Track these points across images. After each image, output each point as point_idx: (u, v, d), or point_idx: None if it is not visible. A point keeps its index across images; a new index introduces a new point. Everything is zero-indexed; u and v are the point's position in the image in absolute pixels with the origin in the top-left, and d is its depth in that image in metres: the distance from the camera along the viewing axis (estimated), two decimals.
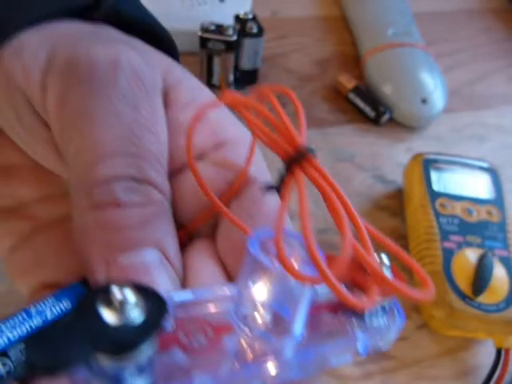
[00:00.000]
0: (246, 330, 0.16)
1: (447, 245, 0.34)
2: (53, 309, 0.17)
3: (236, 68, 0.44)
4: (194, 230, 0.21)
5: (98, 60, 0.19)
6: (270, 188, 0.18)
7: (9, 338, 0.16)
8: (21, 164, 0.24)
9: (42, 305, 0.17)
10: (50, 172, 0.23)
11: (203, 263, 0.19)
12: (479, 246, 0.34)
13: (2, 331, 0.16)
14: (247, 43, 0.42)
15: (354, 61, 0.50)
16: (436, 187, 0.37)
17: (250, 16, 0.43)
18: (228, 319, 0.17)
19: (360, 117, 0.45)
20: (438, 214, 0.35)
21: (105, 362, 0.13)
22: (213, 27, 0.41)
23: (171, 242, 0.18)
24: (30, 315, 0.17)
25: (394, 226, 0.38)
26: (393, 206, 0.39)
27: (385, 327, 0.17)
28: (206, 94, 0.22)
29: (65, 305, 0.17)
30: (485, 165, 0.39)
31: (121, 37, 0.22)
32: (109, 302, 0.14)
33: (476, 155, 0.42)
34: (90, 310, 0.13)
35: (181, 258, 0.19)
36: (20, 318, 0.17)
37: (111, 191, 0.18)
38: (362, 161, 0.42)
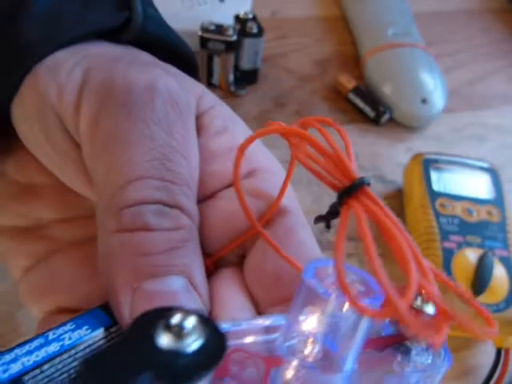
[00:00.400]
0: (295, 362, 0.16)
1: (447, 245, 0.34)
2: (71, 335, 0.16)
3: (236, 68, 0.44)
4: (220, 258, 0.20)
5: (135, 83, 0.19)
6: (319, 218, 0.18)
7: (23, 364, 0.15)
8: (42, 184, 0.23)
9: (60, 330, 0.16)
10: (72, 194, 0.22)
11: (231, 293, 0.19)
12: (479, 245, 0.34)
13: (16, 356, 0.15)
14: (247, 43, 0.42)
15: (354, 61, 0.50)
16: (436, 187, 0.37)
17: (250, 16, 0.43)
18: (276, 351, 0.16)
19: (360, 117, 0.45)
20: (438, 214, 0.35)
21: None
22: (213, 27, 0.41)
23: (198, 270, 0.18)
24: (47, 340, 0.16)
25: None
26: (393, 206, 0.39)
27: (431, 367, 0.17)
28: (238, 122, 0.22)
29: (84, 331, 0.17)
30: (485, 165, 0.39)
31: (155, 61, 0.22)
32: (167, 327, 0.13)
33: (476, 155, 0.41)
34: (146, 334, 0.13)
35: (207, 286, 0.18)
36: (36, 342, 0.16)
37: (141, 215, 0.17)
38: (362, 161, 0.42)
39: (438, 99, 0.45)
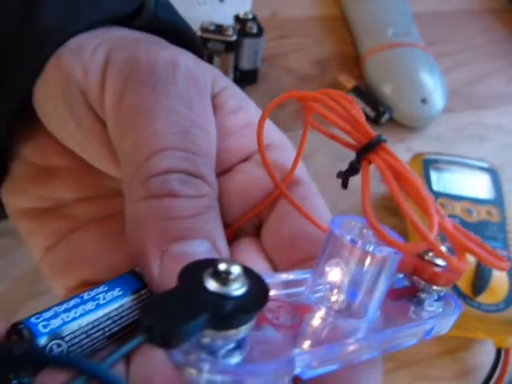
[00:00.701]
0: (323, 310, 0.17)
1: (447, 245, 0.33)
2: (105, 295, 0.17)
3: (236, 68, 0.44)
4: (238, 229, 0.21)
5: (158, 60, 0.20)
6: (340, 174, 0.19)
7: (63, 320, 0.16)
8: (60, 166, 0.24)
9: (94, 292, 0.18)
10: (90, 174, 0.23)
11: (250, 258, 0.20)
12: None
13: (56, 313, 0.16)
14: (247, 43, 0.42)
15: (353, 61, 0.50)
16: (436, 187, 0.37)
17: (250, 16, 0.43)
18: (304, 301, 0.17)
19: None
20: None
21: (208, 333, 0.13)
22: (213, 27, 0.41)
23: (221, 235, 0.19)
24: (83, 300, 0.17)
25: (394, 226, 0.38)
26: (393, 206, 0.39)
27: (442, 314, 0.18)
28: (250, 102, 0.23)
29: (117, 292, 0.18)
30: (485, 165, 0.39)
31: (169, 44, 0.23)
32: (215, 274, 0.14)
33: (476, 155, 0.41)
34: (196, 281, 0.14)
35: (229, 252, 0.19)
36: (73, 302, 0.17)
37: (167, 182, 0.18)
38: None
39: (437, 99, 0.45)
